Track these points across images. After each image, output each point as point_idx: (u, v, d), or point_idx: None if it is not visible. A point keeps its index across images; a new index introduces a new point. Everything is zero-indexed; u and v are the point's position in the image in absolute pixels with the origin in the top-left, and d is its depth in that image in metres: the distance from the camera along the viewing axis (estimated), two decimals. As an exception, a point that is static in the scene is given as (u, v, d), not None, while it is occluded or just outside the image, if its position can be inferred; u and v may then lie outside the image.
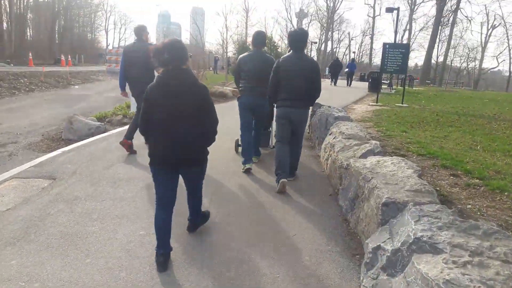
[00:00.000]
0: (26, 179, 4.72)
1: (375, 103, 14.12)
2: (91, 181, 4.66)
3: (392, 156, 4.24)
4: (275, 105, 4.98)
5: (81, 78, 21.26)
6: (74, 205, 3.96)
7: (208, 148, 3.10)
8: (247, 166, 5.34)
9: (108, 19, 66.42)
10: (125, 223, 3.56)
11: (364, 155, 4.50)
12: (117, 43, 70.31)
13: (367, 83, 25.72)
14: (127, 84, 6.12)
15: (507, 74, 51.34)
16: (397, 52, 13.70)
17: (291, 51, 4.86)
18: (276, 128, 5.03)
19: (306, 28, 52.64)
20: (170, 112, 2.82)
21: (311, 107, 5.38)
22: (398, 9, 21.43)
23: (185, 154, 2.91)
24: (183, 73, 2.89)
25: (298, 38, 4.82)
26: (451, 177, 4.52)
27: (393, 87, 25.38)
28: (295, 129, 4.86)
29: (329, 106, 7.70)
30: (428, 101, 15.85)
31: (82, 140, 7.07)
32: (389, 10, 22.90)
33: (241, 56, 5.52)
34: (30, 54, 25.82)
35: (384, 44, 14.07)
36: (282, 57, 4.88)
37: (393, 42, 19.20)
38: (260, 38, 5.44)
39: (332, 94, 17.88)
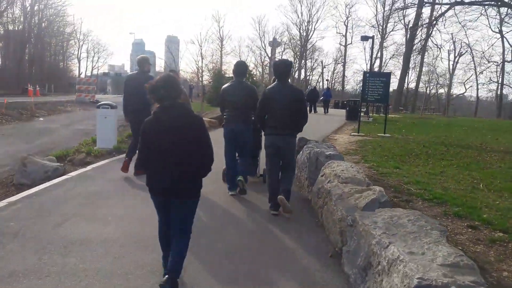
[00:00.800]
0: (-48, 245, 3.76)
1: (357, 133, 13.67)
2: (36, 246, 3.73)
3: (406, 209, 3.54)
4: (263, 133, 5.17)
5: (47, 109, 20.08)
6: (8, 285, 3.04)
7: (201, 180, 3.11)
8: (231, 193, 5.57)
9: (80, 48, 64.99)
10: (71, 315, 2.68)
11: (369, 206, 3.80)
12: (89, 72, 68.88)
13: (343, 110, 25.59)
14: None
15: (472, 99, 52.84)
16: (378, 81, 13.40)
17: (276, 81, 5.03)
18: (266, 156, 5.10)
19: (279, 57, 53.24)
20: (166, 145, 2.92)
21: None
22: (373, 37, 21.57)
23: (181, 185, 2.96)
24: (178, 107, 2.99)
25: (282, 69, 5.00)
26: (470, 230, 3.87)
27: (370, 114, 25.29)
28: (284, 156, 4.95)
29: (316, 141, 7.07)
30: (408, 130, 15.57)
31: (37, 185, 6.10)
32: (364, 38, 23.08)
33: (224, 86, 5.78)
34: (-6, 84, 24.40)
35: (365, 73, 13.83)
36: (268, 87, 5.10)
37: (365, 69, 19.18)
38: (241, 68, 5.72)
39: (311, 123, 17.35)
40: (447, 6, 19.64)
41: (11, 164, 8.01)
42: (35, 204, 5.01)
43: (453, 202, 4.65)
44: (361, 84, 15.23)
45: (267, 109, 4.92)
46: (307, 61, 61.62)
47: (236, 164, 5.72)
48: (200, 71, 42.61)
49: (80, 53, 65.25)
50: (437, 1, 21.19)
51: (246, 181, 5.89)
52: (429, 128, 16.90)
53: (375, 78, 13.65)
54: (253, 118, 5.64)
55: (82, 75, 61.64)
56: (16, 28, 45.25)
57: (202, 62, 43.35)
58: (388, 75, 14.57)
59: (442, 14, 21.79)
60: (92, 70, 69.55)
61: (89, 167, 7.21)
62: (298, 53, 59.36)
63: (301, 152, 6.58)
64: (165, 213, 3.13)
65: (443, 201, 4.72)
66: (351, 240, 3.41)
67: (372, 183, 4.82)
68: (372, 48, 22.42)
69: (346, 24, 57.17)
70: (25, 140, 11.33)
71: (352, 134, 13.70)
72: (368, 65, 28.33)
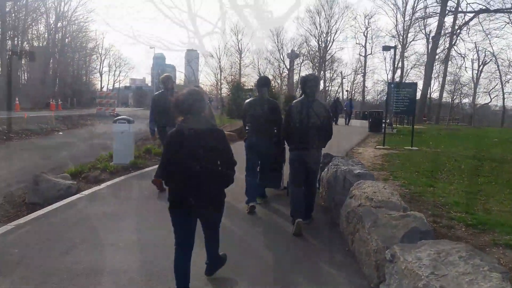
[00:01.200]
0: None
1: (382, 146, 13.07)
2: (38, 279, 3.40)
3: (454, 242, 3.06)
4: (288, 148, 5.14)
5: (67, 123, 20.17)
6: (1, 327, 2.72)
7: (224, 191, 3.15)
8: (251, 204, 5.41)
9: (102, 62, 66.31)
10: None
11: (409, 237, 3.35)
12: (111, 86, 70.07)
13: (365, 121, 24.95)
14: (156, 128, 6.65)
15: (497, 108, 50.84)
16: (404, 91, 12.85)
17: (303, 95, 5.00)
18: (289, 170, 5.12)
19: (298, 68, 52.93)
20: (189, 157, 2.93)
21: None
22: (395, 47, 21.00)
23: (204, 198, 2.96)
24: (201, 120, 3.05)
25: (308, 83, 4.95)
26: (528, 265, 3.35)
27: (393, 125, 24.53)
28: (309, 170, 4.93)
29: (342, 158, 6.61)
30: (436, 142, 14.86)
31: (49, 204, 5.85)
32: (386, 48, 22.58)
33: (246, 101, 5.90)
34: (17, 99, 24.82)
35: (389, 84, 13.32)
36: (294, 101, 5.14)
37: (386, 80, 18.66)
38: (263, 83, 5.71)
39: (333, 135, 16.86)
40: (471, 15, 18.92)
41: (27, 180, 7.84)
42: (43, 227, 4.72)
43: (502, 228, 4.12)
44: (383, 94, 14.72)
45: (292, 123, 4.93)
46: (326, 72, 61.02)
47: (255, 175, 5.68)
48: (219, 83, 42.71)
49: (102, 68, 66.57)
50: (460, 10, 20.51)
51: (265, 195, 6.09)
52: (457, 140, 16.13)
53: (400, 89, 13.11)
54: (275, 130, 5.62)
55: (104, 89, 62.83)
56: (40, 44, 46.46)
57: (221, 74, 43.49)
58: (414, 85, 13.97)
59: (466, 23, 21.00)
60: (114, 83, 70.74)
61: (103, 185, 6.94)
62: (317, 64, 58.88)
63: (325, 169, 6.14)
64: (184, 232, 3.06)
65: (489, 227, 4.19)
66: (391, 278, 2.95)
67: (407, 205, 4.35)
68: (394, 58, 21.84)
69: (365, 34, 56.38)
70: (43, 155, 11.23)
71: (377, 147, 13.12)
72: (390, 75, 27.80)
